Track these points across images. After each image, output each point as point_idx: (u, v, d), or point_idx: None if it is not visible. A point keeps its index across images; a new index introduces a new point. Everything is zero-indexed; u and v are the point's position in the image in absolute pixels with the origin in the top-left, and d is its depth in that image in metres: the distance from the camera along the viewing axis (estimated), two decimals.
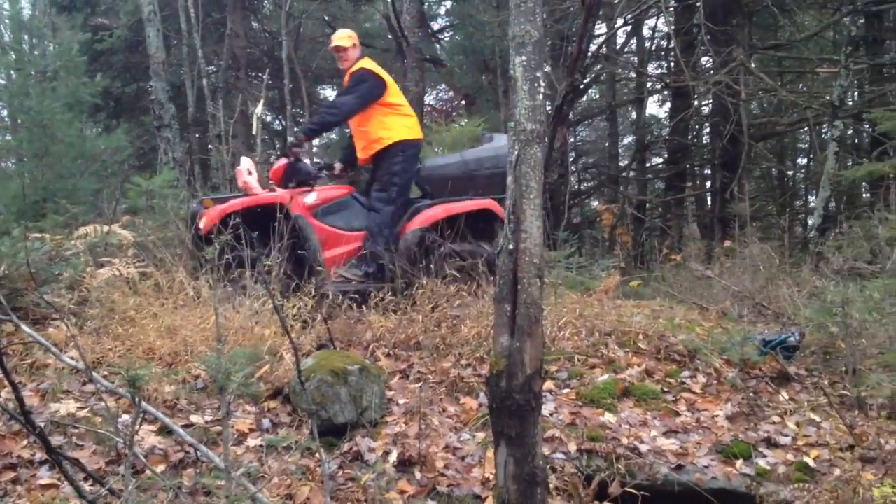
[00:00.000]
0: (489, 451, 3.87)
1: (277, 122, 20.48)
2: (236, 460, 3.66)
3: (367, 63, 6.51)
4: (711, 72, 12.53)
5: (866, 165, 9.33)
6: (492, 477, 3.64)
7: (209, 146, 14.85)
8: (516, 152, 3.24)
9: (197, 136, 16.25)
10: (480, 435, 4.12)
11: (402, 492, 3.67)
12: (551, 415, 4.40)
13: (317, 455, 3.66)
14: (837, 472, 4.03)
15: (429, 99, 21.46)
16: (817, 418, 4.60)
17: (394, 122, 6.45)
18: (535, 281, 3.19)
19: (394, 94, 6.53)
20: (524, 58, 3.26)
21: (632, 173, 18.91)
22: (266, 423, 4.10)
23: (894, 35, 12.66)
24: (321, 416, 4.01)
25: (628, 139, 21.27)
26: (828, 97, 10.98)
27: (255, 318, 4.85)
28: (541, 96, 3.31)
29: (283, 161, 6.48)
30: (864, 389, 4.72)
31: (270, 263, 5.15)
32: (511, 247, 3.20)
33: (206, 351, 4.40)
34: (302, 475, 3.66)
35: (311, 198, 6.27)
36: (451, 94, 20.26)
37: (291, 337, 3.15)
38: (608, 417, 4.44)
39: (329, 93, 23.57)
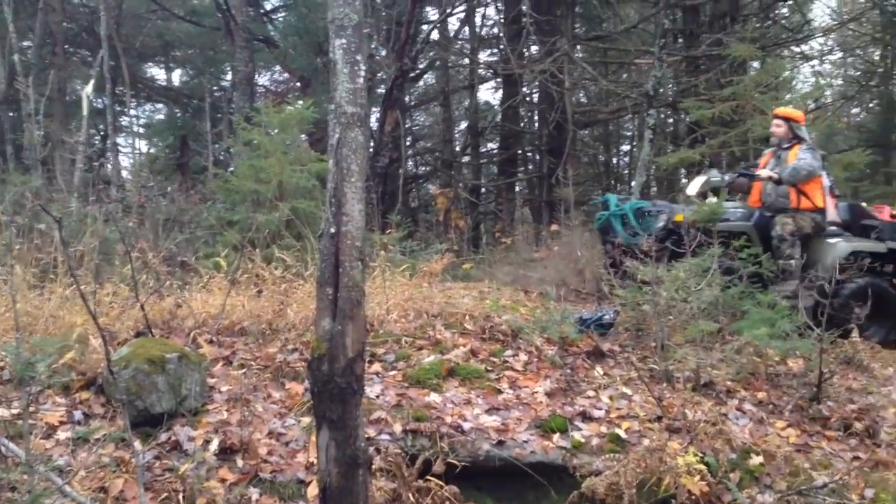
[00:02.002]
0: (314, 436, 3.85)
1: (99, 101, 19.49)
2: (44, 454, 3.48)
3: None
4: (537, 61, 12.89)
5: (678, 152, 9.90)
6: (316, 461, 3.63)
7: (23, 125, 13.97)
8: (337, 135, 3.22)
9: (10, 114, 15.24)
10: (306, 420, 4.09)
11: (222, 480, 3.59)
12: (377, 397, 4.43)
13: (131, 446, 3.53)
14: (646, 441, 4.26)
15: (263, 80, 21.03)
16: (629, 391, 4.85)
17: None
18: (357, 264, 3.20)
19: None
20: (344, 41, 3.25)
21: (466, 158, 19.24)
22: (78, 414, 3.91)
23: (709, 28, 13.44)
24: (137, 406, 3.87)
25: (463, 125, 21.60)
26: (646, 87, 11.55)
27: (66, 306, 4.61)
28: (361, 79, 3.30)
29: None
30: (671, 363, 5.03)
31: (82, 249, 4.91)
32: (332, 230, 3.19)
33: (10, 341, 4.14)
34: (116, 467, 3.52)
35: None
36: (285, 75, 19.90)
37: (99, 324, 3.02)
38: (433, 397, 4.51)
39: (156, 70, 22.69)
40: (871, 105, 19.47)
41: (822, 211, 7.08)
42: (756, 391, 5.08)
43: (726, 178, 7.33)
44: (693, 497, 3.92)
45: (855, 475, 4.32)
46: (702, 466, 4.04)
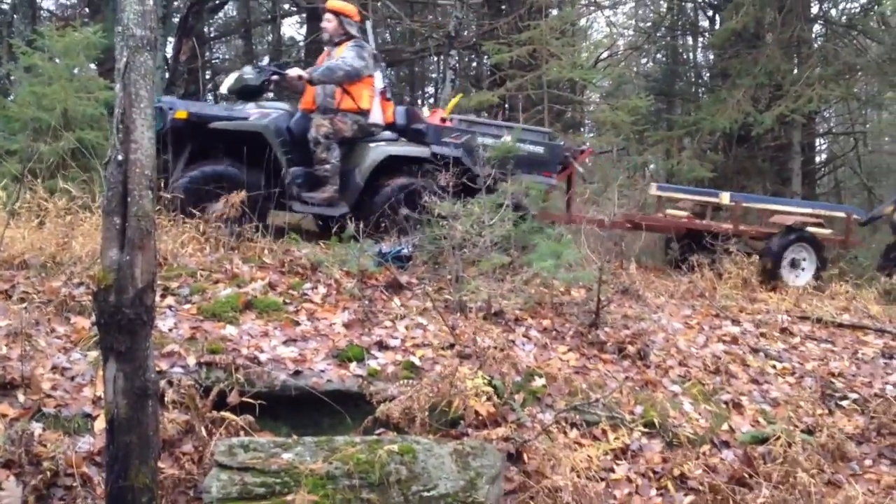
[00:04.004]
0: (101, 370, 3.74)
1: None
2: None
3: None
4: None
5: (478, 94, 10.14)
6: (103, 394, 3.54)
7: None
8: (125, 59, 3.10)
9: None
10: (93, 354, 3.96)
11: (2, 415, 3.45)
12: (171, 330, 4.34)
13: None
14: (439, 368, 4.45)
15: (47, 3, 19.53)
16: (424, 321, 5.02)
17: None
18: (147, 193, 3.12)
19: None
20: None
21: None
22: None
23: None
24: None
25: (266, 60, 20.99)
26: (448, 27, 11.70)
27: None
28: (151, 1, 3.18)
29: None
30: (465, 294, 5.24)
31: None
32: (120, 157, 3.09)
33: None
34: None
35: None
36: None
37: None
38: (230, 330, 4.48)
39: None
40: (657, 56, 20.66)
41: (366, 113, 6.83)
42: (542, 319, 5.40)
43: (262, 76, 6.77)
44: (480, 417, 4.15)
45: (626, 393, 4.73)
46: (489, 389, 4.27)
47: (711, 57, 17.54)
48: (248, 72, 6.74)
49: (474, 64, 18.14)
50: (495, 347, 4.67)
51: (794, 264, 8.10)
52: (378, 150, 6.76)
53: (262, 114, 6.52)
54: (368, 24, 7.15)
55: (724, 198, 8.66)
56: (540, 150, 7.32)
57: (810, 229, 8.33)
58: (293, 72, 6.64)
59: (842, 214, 9.13)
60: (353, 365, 4.41)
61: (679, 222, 8.57)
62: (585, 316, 5.46)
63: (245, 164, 6.14)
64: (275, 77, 6.72)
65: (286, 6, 17.50)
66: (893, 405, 5.05)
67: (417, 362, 4.55)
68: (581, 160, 8.01)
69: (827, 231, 8.79)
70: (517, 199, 6.55)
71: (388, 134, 6.98)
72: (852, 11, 14.26)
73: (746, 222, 8.93)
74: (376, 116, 6.91)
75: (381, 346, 4.66)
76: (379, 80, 6.97)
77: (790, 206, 9.05)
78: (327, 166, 6.53)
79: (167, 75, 12.19)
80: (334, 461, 3.39)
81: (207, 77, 16.78)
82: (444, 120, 7.31)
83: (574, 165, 7.78)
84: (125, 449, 3.06)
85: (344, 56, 6.65)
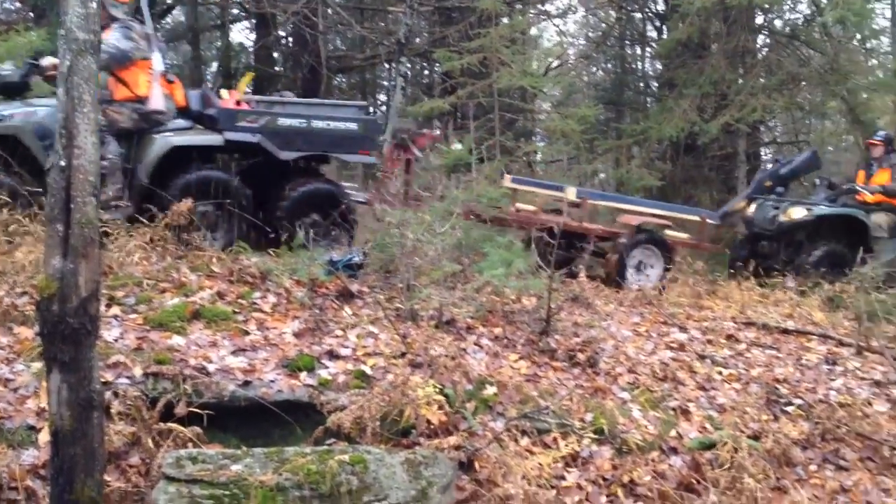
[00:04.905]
0: (45, 381, 3.67)
1: None
2: None
3: None
4: (291, 1, 12.67)
5: (429, 102, 10.16)
6: (47, 406, 3.46)
7: None
8: (68, 63, 3.05)
9: None
10: (37, 365, 3.87)
11: None
12: (116, 340, 4.26)
13: None
14: (390, 377, 4.43)
15: None
16: (375, 330, 5.00)
17: None
18: (91, 199, 3.07)
19: None
20: None
21: None
22: None
23: None
24: None
25: (215, 65, 20.77)
26: (398, 35, 11.70)
27: None
28: (94, 4, 3.15)
29: None
30: (416, 302, 5.23)
31: None
32: (63, 163, 3.03)
33: None
34: None
35: None
36: (17, 4, 18.23)
37: None
38: (177, 340, 4.41)
39: None
40: (606, 65, 20.91)
41: (144, 100, 6.28)
42: (493, 327, 5.41)
43: (20, 70, 6.11)
44: (432, 426, 4.14)
45: (576, 401, 4.75)
46: (440, 398, 4.27)
47: (659, 66, 17.78)
48: (6, 68, 6.17)
49: (426, 72, 18.18)
50: (447, 356, 4.67)
51: (639, 266, 7.88)
52: (162, 142, 6.23)
53: (26, 113, 5.90)
54: (144, 3, 6.45)
55: (570, 193, 8.30)
56: (354, 126, 6.88)
57: (668, 232, 8.13)
58: (46, 61, 5.96)
59: (696, 218, 8.90)
60: (303, 374, 4.37)
61: (524, 217, 7.99)
62: (536, 324, 5.49)
63: (18, 168, 5.69)
64: (30, 69, 6.10)
65: (235, 11, 17.33)
66: (837, 411, 5.14)
67: (369, 371, 4.52)
68: (421, 144, 7.63)
69: (683, 235, 8.61)
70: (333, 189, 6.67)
71: (180, 122, 6.49)
72: (795, 22, 14.57)
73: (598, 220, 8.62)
74: (157, 102, 6.31)
75: (332, 355, 4.63)
76: (158, 63, 6.38)
77: (641, 206, 8.76)
78: (104, 163, 5.66)
79: None
80: (284, 472, 3.35)
81: None
82: (239, 102, 6.89)
83: (412, 149, 7.44)
84: (70, 461, 3.01)
85: (107, 40, 5.87)
